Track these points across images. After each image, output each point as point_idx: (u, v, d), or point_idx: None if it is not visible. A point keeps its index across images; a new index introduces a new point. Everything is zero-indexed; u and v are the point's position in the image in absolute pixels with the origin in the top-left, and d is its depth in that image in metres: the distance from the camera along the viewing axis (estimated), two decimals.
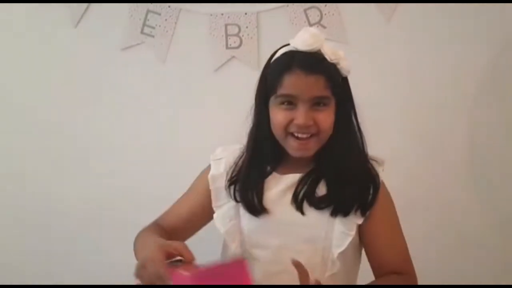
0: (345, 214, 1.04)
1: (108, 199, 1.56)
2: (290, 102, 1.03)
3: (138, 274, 0.89)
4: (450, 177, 1.66)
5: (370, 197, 1.06)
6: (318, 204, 1.05)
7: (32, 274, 1.68)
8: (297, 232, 1.06)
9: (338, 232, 1.05)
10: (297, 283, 0.94)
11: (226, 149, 1.17)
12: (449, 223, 1.67)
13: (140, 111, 1.67)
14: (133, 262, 0.93)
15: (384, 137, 1.60)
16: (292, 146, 1.05)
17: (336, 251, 1.04)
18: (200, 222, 1.16)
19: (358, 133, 1.09)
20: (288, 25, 1.58)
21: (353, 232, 1.05)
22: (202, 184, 1.15)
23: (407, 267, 1.08)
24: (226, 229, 1.10)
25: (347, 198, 1.05)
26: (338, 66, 1.05)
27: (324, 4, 1.58)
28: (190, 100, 1.62)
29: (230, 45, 1.58)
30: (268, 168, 1.11)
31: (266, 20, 1.59)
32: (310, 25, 1.57)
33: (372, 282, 1.06)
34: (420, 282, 1.09)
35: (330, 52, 1.04)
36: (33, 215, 1.69)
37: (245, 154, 1.12)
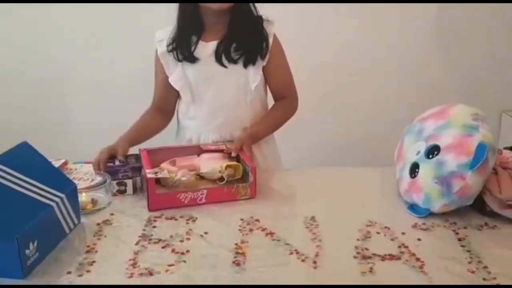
0: (253, 62, 1.55)
1: None
2: None
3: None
4: None
5: (264, 46, 1.54)
6: (233, 58, 1.54)
7: None
8: (225, 78, 1.55)
9: (252, 74, 1.56)
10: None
11: (163, 31, 1.59)
12: None
13: None
14: None
15: None
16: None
17: (253, 85, 1.57)
18: (172, 88, 1.61)
19: (253, 7, 1.54)
20: None
21: (260, 71, 1.57)
22: (158, 63, 1.62)
23: (290, 92, 1.65)
24: (180, 86, 1.59)
25: (251, 51, 1.54)
26: None
27: None
28: None
29: None
30: (195, 37, 1.55)
31: None
32: None
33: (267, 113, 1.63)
34: None
35: None
36: None
37: (177, 22, 1.55)
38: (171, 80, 1.58)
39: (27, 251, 0.99)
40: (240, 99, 1.58)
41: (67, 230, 1.14)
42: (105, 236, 1.15)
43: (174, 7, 1.51)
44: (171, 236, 1.15)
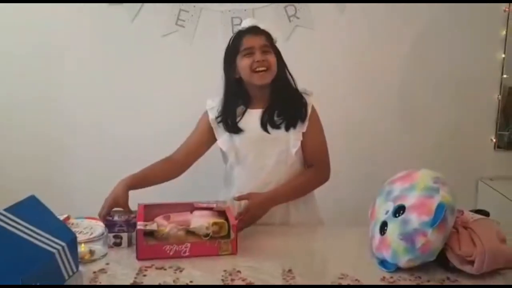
0: (293, 126, 1.72)
1: None
2: (249, 52, 1.67)
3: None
4: None
5: (303, 112, 1.72)
6: (276, 124, 1.71)
7: None
8: (268, 142, 1.72)
9: (292, 139, 1.73)
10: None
11: (214, 100, 1.79)
12: None
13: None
14: None
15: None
16: (256, 77, 1.68)
17: (293, 150, 1.73)
18: (203, 149, 1.80)
19: (291, 79, 1.75)
20: (273, 16, 2.39)
21: (301, 137, 1.73)
22: (203, 124, 1.80)
23: (321, 160, 1.79)
24: (226, 149, 1.77)
25: (292, 116, 1.71)
26: (270, 32, 1.73)
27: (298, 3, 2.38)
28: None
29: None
30: (242, 107, 1.74)
31: (259, 14, 2.38)
32: (288, 17, 2.39)
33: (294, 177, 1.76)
34: None
35: (263, 26, 1.73)
36: None
37: (223, 97, 1.75)
38: (219, 143, 1.78)
39: None
40: (281, 162, 1.73)
41: (66, 276, 1.25)
42: (100, 283, 1.27)
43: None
44: (159, 284, 1.26)
